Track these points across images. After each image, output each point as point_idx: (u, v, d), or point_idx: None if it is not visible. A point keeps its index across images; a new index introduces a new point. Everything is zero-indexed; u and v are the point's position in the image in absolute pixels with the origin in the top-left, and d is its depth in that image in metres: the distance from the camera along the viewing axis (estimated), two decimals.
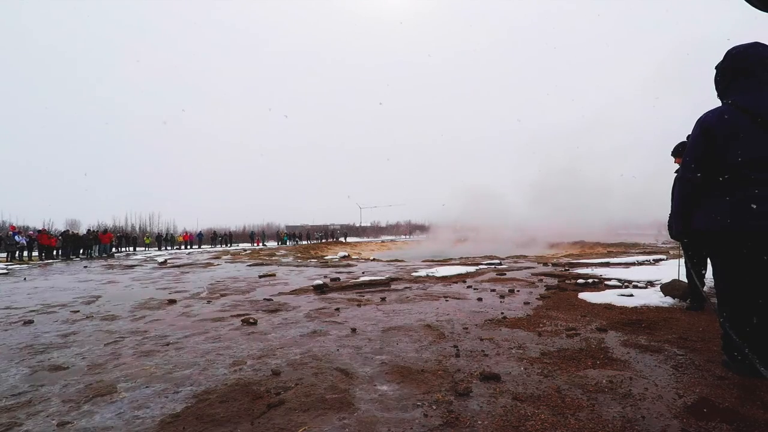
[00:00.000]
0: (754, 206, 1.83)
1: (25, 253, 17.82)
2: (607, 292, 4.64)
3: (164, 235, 34.07)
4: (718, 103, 2.10)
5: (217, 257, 16.18)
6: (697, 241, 2.15)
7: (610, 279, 5.92)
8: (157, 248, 30.66)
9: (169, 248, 30.64)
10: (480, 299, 4.56)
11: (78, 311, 4.51)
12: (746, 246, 1.87)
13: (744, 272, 1.92)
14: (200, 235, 35.57)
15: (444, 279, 6.73)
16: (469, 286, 5.67)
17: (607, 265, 8.43)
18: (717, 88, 2.13)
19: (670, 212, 2.96)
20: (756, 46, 1.97)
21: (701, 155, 2.01)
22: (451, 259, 13.44)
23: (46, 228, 26.32)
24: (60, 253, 18.81)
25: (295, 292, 5.63)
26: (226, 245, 34.67)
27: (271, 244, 38.51)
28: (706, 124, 1.99)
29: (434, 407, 1.76)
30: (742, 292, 1.94)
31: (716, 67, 2.11)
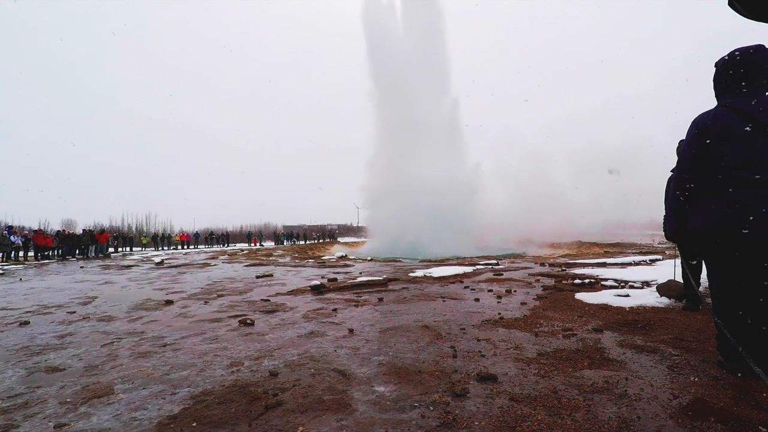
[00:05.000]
0: (748, 207, 1.85)
1: (21, 254, 17.72)
2: (604, 292, 4.66)
3: (161, 235, 33.95)
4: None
5: (214, 257, 16.13)
6: (692, 241, 2.16)
7: (606, 279, 5.95)
8: (153, 248, 30.55)
9: (165, 248, 30.53)
10: (477, 300, 4.58)
11: (74, 312, 4.49)
12: (740, 246, 1.89)
13: (738, 272, 1.94)
14: (196, 235, 35.47)
15: (441, 279, 6.74)
16: (466, 287, 5.68)
17: (603, 265, 8.46)
18: (715, 87, 2.12)
19: (664, 213, 2.98)
20: (759, 49, 1.95)
21: (696, 156, 2.02)
22: (449, 259, 13.46)
23: (41, 228, 26.15)
24: (58, 253, 18.72)
25: (293, 292, 5.62)
26: (224, 245, 34.58)
27: (269, 244, 38.44)
28: (701, 125, 2.01)
29: (431, 408, 1.76)
30: (736, 292, 1.95)
31: (716, 65, 2.09)
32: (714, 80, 2.12)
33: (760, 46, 1.96)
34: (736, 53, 2.00)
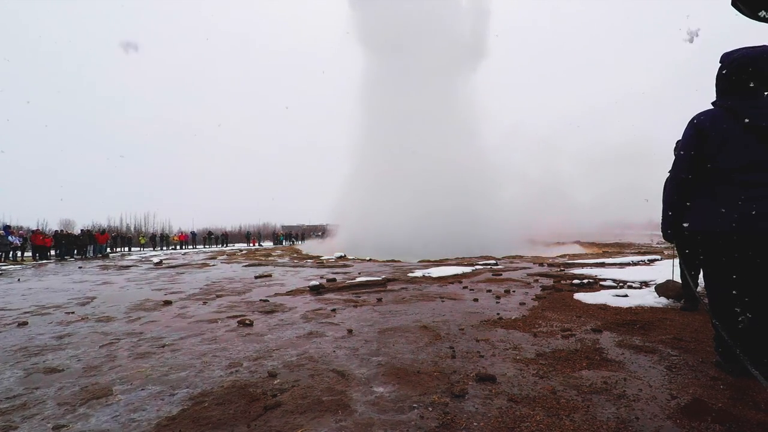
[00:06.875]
0: (744, 208, 1.85)
1: (19, 254, 17.67)
2: (602, 292, 4.67)
3: (159, 235, 33.91)
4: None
5: (213, 257, 16.12)
6: (689, 241, 2.17)
7: (605, 279, 5.96)
8: (152, 248, 30.51)
9: (164, 248, 30.49)
10: (476, 300, 4.58)
11: (73, 312, 4.48)
12: (736, 247, 1.90)
13: (734, 273, 1.94)
14: (193, 234, 35.44)
15: (440, 280, 6.74)
16: (465, 287, 5.68)
17: (602, 265, 8.47)
18: (717, 84, 2.08)
19: (662, 213, 2.98)
20: (764, 51, 1.91)
21: (693, 156, 2.02)
22: (448, 259, 13.45)
23: (40, 228, 26.09)
24: (57, 253, 18.67)
25: (291, 293, 5.62)
26: (222, 245, 34.56)
27: (267, 244, 38.42)
28: (698, 125, 2.00)
29: (430, 409, 1.77)
30: (732, 292, 1.96)
31: (721, 60, 2.04)
32: (717, 77, 2.08)
33: (766, 48, 1.93)
34: (741, 53, 1.97)
